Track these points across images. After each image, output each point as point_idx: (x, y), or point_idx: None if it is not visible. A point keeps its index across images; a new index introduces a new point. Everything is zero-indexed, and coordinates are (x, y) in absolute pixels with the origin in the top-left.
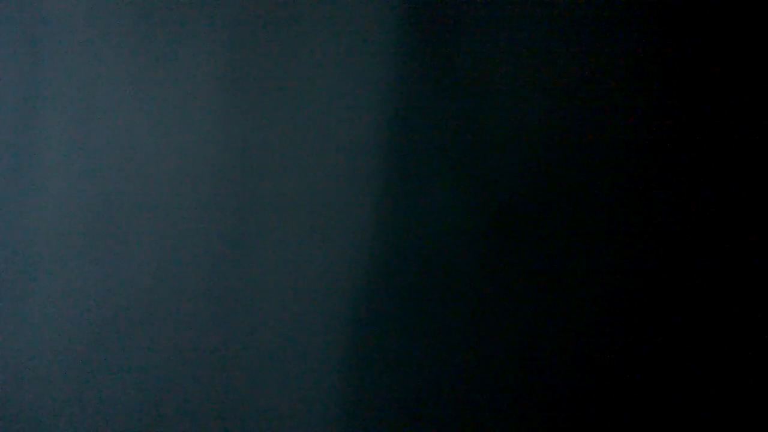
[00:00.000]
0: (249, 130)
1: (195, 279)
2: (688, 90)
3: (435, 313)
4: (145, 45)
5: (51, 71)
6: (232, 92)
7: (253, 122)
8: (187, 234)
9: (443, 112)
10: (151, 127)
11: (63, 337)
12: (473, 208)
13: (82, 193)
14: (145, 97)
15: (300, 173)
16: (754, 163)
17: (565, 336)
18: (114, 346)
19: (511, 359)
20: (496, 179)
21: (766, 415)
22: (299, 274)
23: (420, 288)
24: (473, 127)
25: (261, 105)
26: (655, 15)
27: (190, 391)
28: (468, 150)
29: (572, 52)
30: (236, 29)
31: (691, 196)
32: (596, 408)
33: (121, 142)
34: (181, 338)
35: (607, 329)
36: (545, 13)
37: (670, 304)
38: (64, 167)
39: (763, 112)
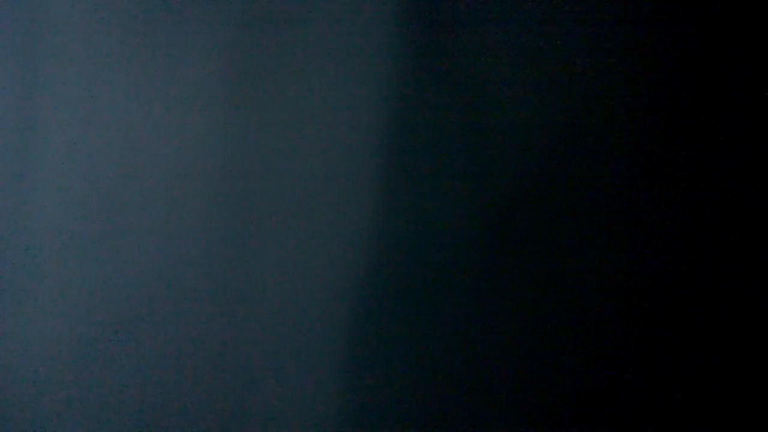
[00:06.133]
0: (249, 129)
1: (195, 279)
2: (688, 90)
3: (435, 312)
4: (145, 45)
5: (51, 71)
6: (232, 92)
7: (253, 122)
8: (187, 234)
9: (443, 111)
10: (151, 127)
11: (63, 337)
12: (473, 207)
13: (82, 192)
14: (145, 96)
15: (300, 173)
16: (754, 163)
17: (565, 336)
18: (114, 346)
19: (512, 359)
20: (496, 179)
21: (766, 415)
22: (299, 274)
23: (420, 288)
24: (473, 127)
25: (261, 105)
26: (656, 15)
27: (190, 391)
28: (468, 149)
29: (572, 52)
30: (236, 29)
31: (691, 196)
32: (596, 407)
33: (121, 142)
34: (181, 338)
35: (607, 328)
36: (545, 12)
37: (670, 303)
38: (64, 167)
39: (763, 112)
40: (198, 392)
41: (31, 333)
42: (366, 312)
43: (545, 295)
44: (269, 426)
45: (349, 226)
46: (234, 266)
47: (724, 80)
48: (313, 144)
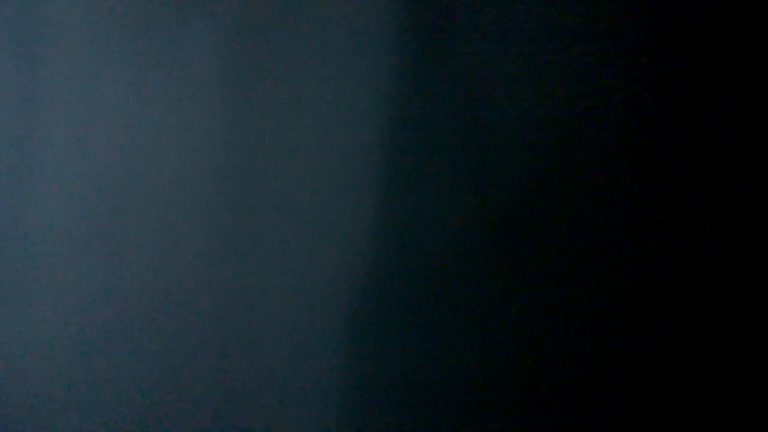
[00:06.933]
0: (249, 129)
1: (195, 279)
2: (687, 90)
3: (435, 312)
4: (145, 45)
5: (51, 71)
6: (232, 92)
7: (253, 122)
8: (187, 234)
9: (443, 111)
10: (151, 127)
11: (63, 336)
12: (473, 208)
13: (82, 192)
14: (145, 97)
15: (300, 173)
16: (754, 163)
17: (564, 336)
18: (114, 346)
19: (511, 359)
20: (496, 179)
21: (766, 415)
22: (299, 274)
23: (420, 288)
24: (473, 127)
25: (261, 105)
26: (655, 15)
27: (190, 390)
28: (468, 150)
29: (572, 52)
30: (236, 29)
31: (691, 196)
32: (596, 407)
33: (121, 142)
34: (181, 338)
35: (606, 328)
36: (545, 13)
37: (669, 303)
38: (64, 167)
39: (763, 112)
40: (198, 392)
41: (31, 333)
42: (366, 312)
43: (545, 294)
44: (269, 426)
45: (349, 226)
46: (234, 266)
47: (724, 80)
48: (313, 144)
